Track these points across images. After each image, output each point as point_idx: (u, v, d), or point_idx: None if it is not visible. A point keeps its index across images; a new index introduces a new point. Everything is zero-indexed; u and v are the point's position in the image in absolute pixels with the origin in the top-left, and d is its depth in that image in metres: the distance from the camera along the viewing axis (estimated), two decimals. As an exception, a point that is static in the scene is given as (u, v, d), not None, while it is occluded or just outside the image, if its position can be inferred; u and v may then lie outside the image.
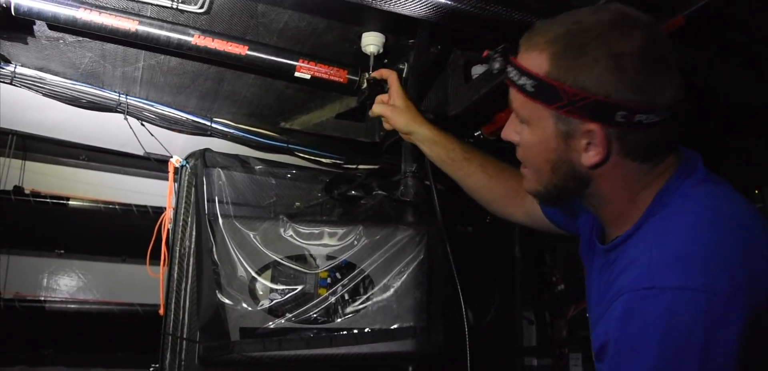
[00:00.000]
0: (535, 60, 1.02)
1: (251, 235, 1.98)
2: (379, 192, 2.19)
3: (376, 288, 2.03)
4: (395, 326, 2.03)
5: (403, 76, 1.93)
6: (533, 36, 1.04)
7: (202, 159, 2.09)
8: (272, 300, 1.96)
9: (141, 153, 2.33)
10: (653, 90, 0.96)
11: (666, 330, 0.90)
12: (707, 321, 0.88)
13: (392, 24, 1.81)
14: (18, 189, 2.49)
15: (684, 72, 1.01)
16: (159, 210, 2.38)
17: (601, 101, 0.96)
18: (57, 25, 1.70)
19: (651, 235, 1.01)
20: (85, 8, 1.65)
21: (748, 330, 0.89)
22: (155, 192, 2.64)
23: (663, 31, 1.58)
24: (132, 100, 2.19)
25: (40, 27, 1.82)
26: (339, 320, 1.99)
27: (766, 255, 0.94)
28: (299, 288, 1.98)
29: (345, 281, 2.02)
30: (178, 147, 2.31)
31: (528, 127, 1.08)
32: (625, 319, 0.95)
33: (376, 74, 1.79)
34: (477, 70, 1.96)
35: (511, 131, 1.15)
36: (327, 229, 2.06)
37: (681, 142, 1.11)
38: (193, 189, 2.08)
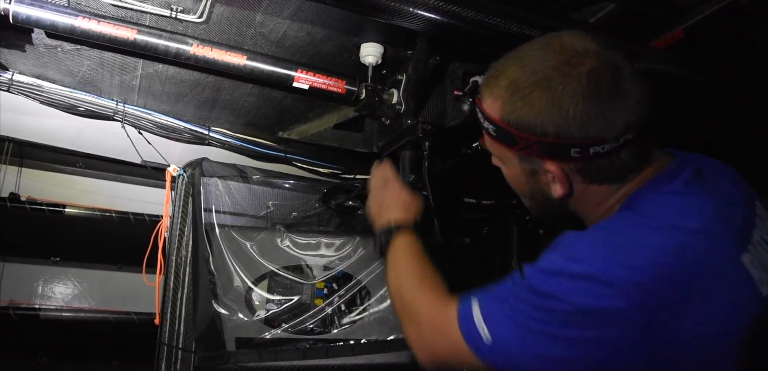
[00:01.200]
0: (491, 106, 1.06)
1: (248, 245, 1.98)
2: (377, 202, 2.18)
3: (372, 299, 2.03)
4: (392, 337, 2.03)
5: (402, 86, 1.93)
6: (489, 80, 1.08)
7: (200, 168, 2.09)
8: (268, 311, 1.96)
9: (138, 161, 2.32)
10: (601, 122, 0.98)
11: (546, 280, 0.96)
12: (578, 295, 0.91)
13: (391, 35, 1.81)
14: (14, 196, 2.49)
15: (650, 81, 1.02)
16: (156, 218, 2.38)
17: (552, 143, 1.00)
18: (55, 33, 1.70)
19: None
20: (84, 16, 1.64)
21: (631, 331, 0.89)
22: (152, 201, 2.64)
23: (660, 44, 1.60)
24: (130, 109, 2.19)
25: (38, 35, 1.82)
26: (335, 331, 1.99)
27: (697, 280, 0.91)
28: (295, 298, 1.98)
29: (341, 292, 2.02)
30: (175, 155, 2.30)
31: (502, 163, 1.14)
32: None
33: None
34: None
35: (496, 160, 1.19)
36: (324, 240, 2.06)
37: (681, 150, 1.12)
38: (190, 198, 2.08)
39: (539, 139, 1.00)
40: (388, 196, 1.57)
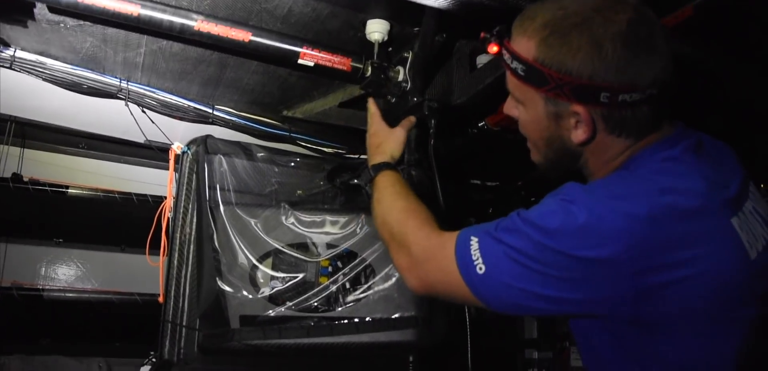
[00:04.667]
0: (524, 45, 1.07)
1: (252, 223, 1.98)
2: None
3: (377, 277, 2.03)
4: (396, 315, 2.03)
5: (408, 64, 1.92)
6: (523, 21, 1.10)
7: (204, 145, 2.08)
8: (273, 288, 1.95)
9: (142, 140, 2.31)
10: (635, 71, 1.01)
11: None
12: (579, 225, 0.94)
13: (397, 11, 1.80)
14: (16, 177, 2.47)
15: (675, 54, 1.05)
16: (159, 200, 2.37)
17: (585, 84, 1.01)
18: (58, 7, 1.68)
19: None
20: (87, -10, 1.62)
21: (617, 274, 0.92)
22: (155, 182, 2.63)
23: (669, 22, 1.59)
24: (133, 86, 2.17)
25: (40, 10, 1.80)
26: (340, 309, 1.99)
27: (663, 238, 0.94)
28: (300, 276, 1.98)
29: (346, 270, 2.02)
30: (178, 134, 2.29)
31: (523, 106, 1.15)
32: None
33: None
34: (482, 60, 1.94)
35: (511, 107, 1.21)
36: (328, 217, 2.05)
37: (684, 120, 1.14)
38: (194, 175, 2.07)
39: (573, 79, 1.02)
40: (368, 141, 1.63)
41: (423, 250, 1.17)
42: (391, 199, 1.38)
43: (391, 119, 1.84)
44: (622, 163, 1.09)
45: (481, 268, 1.03)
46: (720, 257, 0.95)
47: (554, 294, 0.97)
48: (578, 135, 1.07)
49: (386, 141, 1.60)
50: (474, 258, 1.04)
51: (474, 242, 1.05)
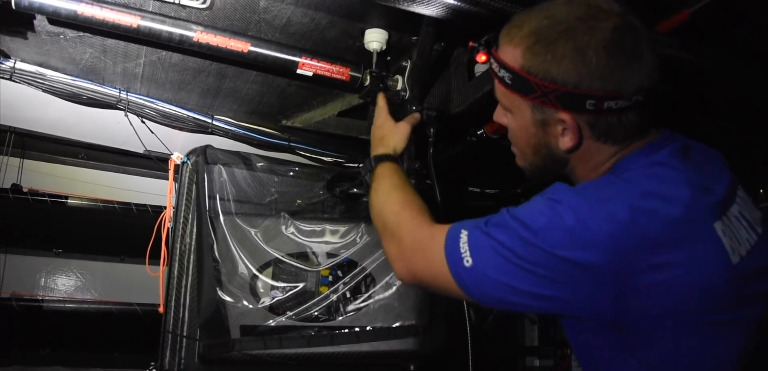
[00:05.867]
0: (511, 53, 1.09)
1: (252, 232, 1.97)
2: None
3: (377, 286, 2.02)
4: (397, 324, 2.02)
5: (407, 73, 1.92)
6: (510, 30, 1.11)
7: (204, 155, 2.08)
8: (273, 298, 1.95)
9: (141, 151, 2.31)
10: (620, 78, 1.02)
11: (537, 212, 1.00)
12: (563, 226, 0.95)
13: (396, 21, 1.81)
14: (16, 188, 2.47)
15: (660, 57, 1.06)
16: (158, 210, 2.37)
17: (570, 92, 1.03)
18: (58, 19, 1.69)
19: None
20: (87, 2, 1.63)
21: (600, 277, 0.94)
22: (154, 192, 2.63)
23: (663, 27, 1.60)
24: (133, 97, 2.18)
25: (40, 21, 1.81)
26: (340, 318, 1.98)
27: (650, 237, 0.95)
28: (300, 285, 1.98)
29: (346, 279, 2.02)
30: (178, 145, 2.29)
31: (511, 114, 1.16)
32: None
33: None
34: (480, 68, 1.95)
35: (500, 115, 1.23)
36: (328, 227, 2.05)
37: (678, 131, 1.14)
38: (194, 185, 2.06)
39: (558, 87, 1.03)
40: (373, 133, 1.64)
41: (413, 241, 1.18)
42: (387, 190, 1.39)
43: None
44: (610, 167, 1.10)
45: (468, 261, 1.04)
46: (700, 261, 0.96)
47: (536, 291, 0.98)
48: (565, 142, 1.08)
49: (390, 134, 1.62)
50: (462, 251, 1.05)
51: (464, 235, 1.07)
